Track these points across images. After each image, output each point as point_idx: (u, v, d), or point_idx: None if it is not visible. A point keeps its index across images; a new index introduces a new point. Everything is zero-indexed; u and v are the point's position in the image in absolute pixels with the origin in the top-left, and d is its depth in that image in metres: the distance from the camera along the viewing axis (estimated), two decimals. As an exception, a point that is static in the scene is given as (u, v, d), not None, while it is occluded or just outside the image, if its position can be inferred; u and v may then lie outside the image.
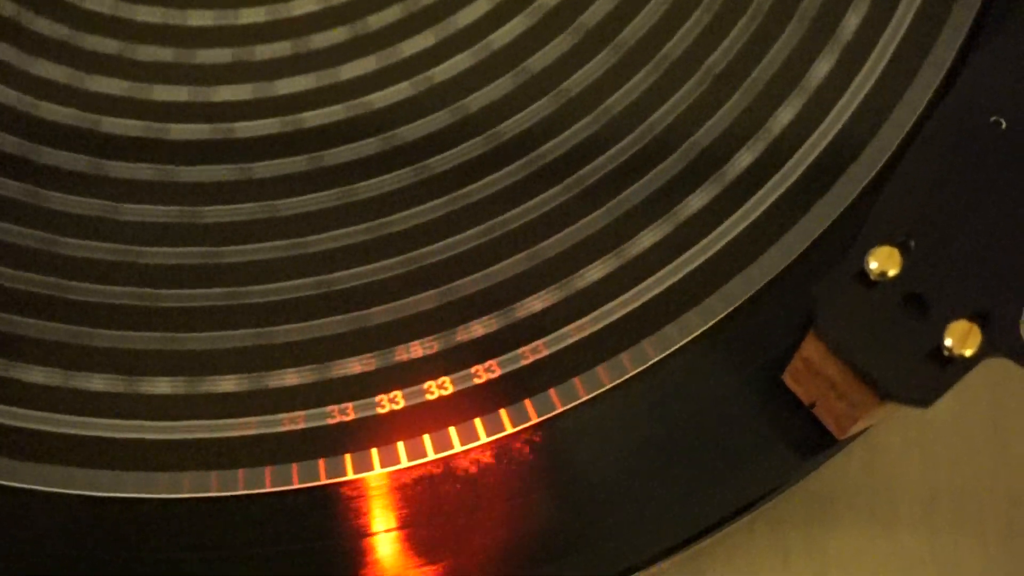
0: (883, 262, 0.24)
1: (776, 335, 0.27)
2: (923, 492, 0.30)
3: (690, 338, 0.28)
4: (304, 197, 0.30)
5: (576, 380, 0.27)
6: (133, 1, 0.33)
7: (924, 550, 0.29)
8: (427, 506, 0.26)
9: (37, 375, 0.28)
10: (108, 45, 0.32)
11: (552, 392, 0.27)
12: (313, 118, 0.31)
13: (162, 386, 0.28)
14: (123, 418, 0.27)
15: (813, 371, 0.25)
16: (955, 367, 0.24)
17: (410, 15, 0.32)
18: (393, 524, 0.26)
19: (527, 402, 0.27)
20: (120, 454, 0.27)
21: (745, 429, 0.27)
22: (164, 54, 0.32)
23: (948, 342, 0.24)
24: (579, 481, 0.27)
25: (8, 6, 0.32)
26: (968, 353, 0.23)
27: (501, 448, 0.27)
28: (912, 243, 0.24)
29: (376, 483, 0.27)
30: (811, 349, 0.25)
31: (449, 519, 0.26)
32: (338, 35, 0.32)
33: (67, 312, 0.28)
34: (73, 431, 0.27)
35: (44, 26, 0.32)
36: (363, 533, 0.26)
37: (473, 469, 0.27)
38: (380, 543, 0.26)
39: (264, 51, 0.32)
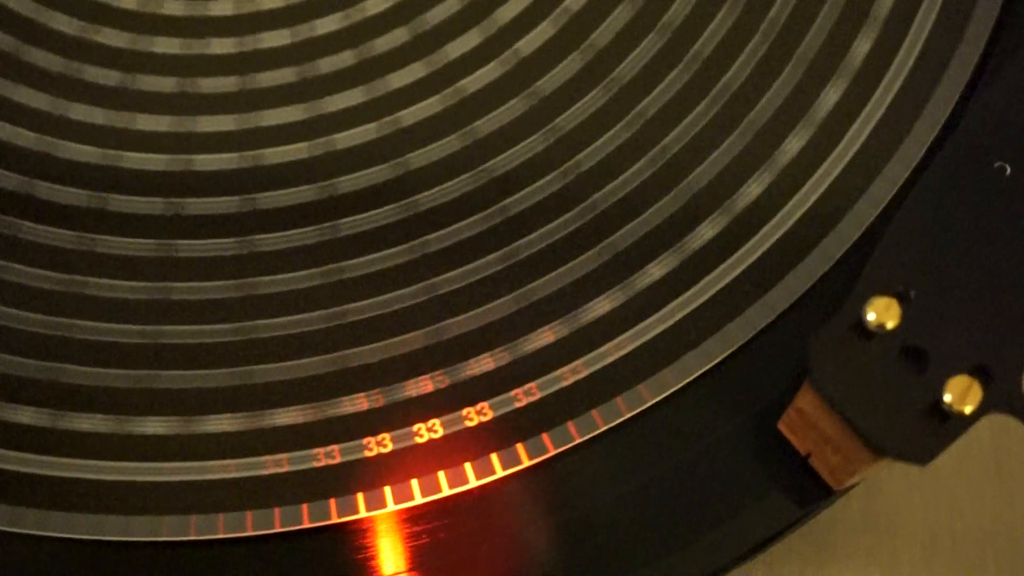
0: (881, 313, 0.24)
1: (774, 379, 0.27)
2: (923, 534, 0.29)
3: (686, 381, 0.27)
4: (289, 232, 0.29)
5: (570, 423, 0.27)
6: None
7: (924, 593, 0.29)
8: (435, 543, 0.26)
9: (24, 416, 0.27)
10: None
11: (544, 436, 0.27)
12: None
13: (149, 426, 0.27)
14: (119, 460, 0.27)
15: (808, 423, 0.25)
16: (954, 424, 0.23)
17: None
18: (406, 563, 0.26)
19: (519, 445, 0.27)
20: (126, 497, 0.27)
21: (741, 476, 0.26)
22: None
23: (947, 398, 0.23)
24: (567, 530, 0.26)
25: None
26: (968, 410, 0.23)
27: (491, 492, 0.27)
28: (912, 293, 0.24)
29: (366, 526, 0.26)
30: (805, 401, 0.24)
31: (456, 556, 0.26)
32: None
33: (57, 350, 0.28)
34: (55, 473, 0.27)
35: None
36: (377, 572, 0.26)
37: (465, 513, 0.26)
38: None
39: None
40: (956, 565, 0.29)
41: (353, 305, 0.28)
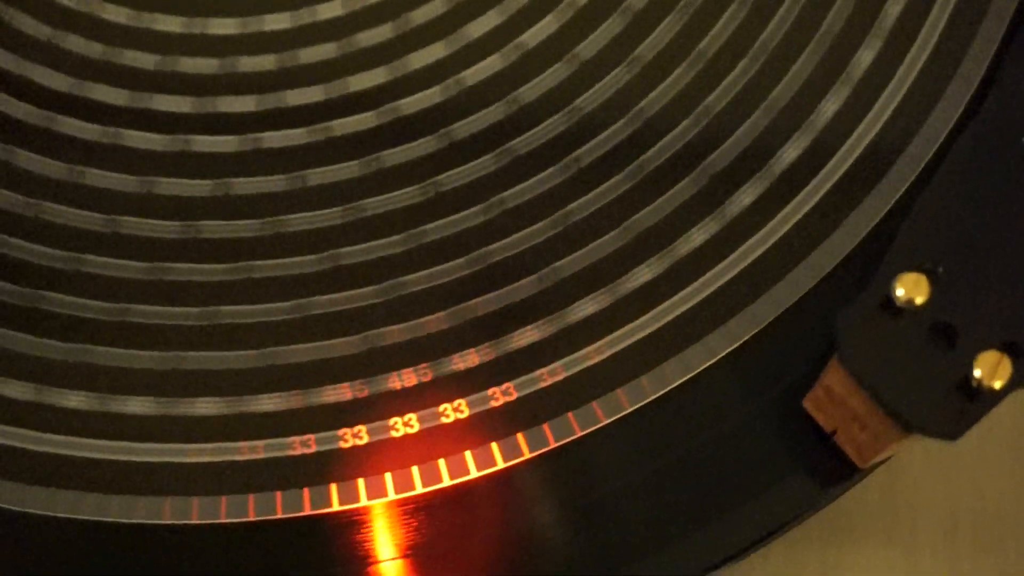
0: (910, 289, 0.24)
1: (798, 359, 0.27)
2: (943, 517, 0.29)
3: (712, 362, 0.27)
4: (307, 214, 0.29)
5: (594, 404, 0.27)
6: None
7: (944, 575, 0.28)
8: (434, 532, 0.26)
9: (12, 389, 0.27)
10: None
11: (571, 416, 0.27)
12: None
13: (135, 405, 0.27)
14: (99, 438, 0.27)
15: (835, 400, 0.24)
16: (984, 399, 0.23)
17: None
18: (398, 552, 0.26)
19: (545, 426, 0.27)
20: (103, 475, 0.26)
21: (764, 456, 0.26)
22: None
23: (977, 373, 0.23)
24: (595, 508, 0.26)
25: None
26: (998, 385, 0.23)
27: (516, 473, 0.26)
28: (940, 269, 0.24)
29: (382, 510, 0.26)
30: (834, 378, 0.24)
31: (460, 545, 0.26)
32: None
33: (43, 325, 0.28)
34: (41, 448, 0.27)
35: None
36: (368, 561, 0.26)
37: (489, 494, 0.26)
38: (386, 571, 0.25)
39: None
40: (976, 547, 0.29)
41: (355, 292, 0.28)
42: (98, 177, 0.30)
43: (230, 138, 0.30)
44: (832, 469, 0.26)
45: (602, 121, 0.30)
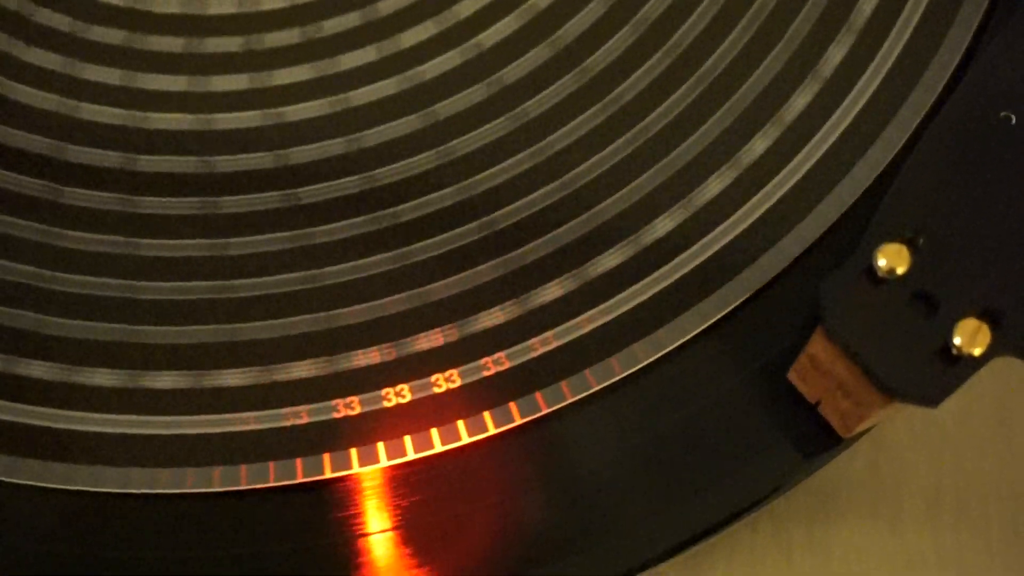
0: (892, 259, 0.24)
1: (783, 331, 0.27)
2: (928, 490, 0.29)
3: (697, 331, 0.27)
4: (321, 185, 0.29)
5: (587, 372, 0.27)
6: None
7: (928, 548, 0.29)
8: (426, 503, 0.26)
9: (38, 370, 0.27)
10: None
11: (563, 385, 0.27)
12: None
13: (165, 380, 0.27)
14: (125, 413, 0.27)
15: (819, 369, 0.25)
16: (964, 366, 0.23)
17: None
18: (392, 523, 0.26)
19: (537, 395, 0.27)
20: (120, 450, 0.27)
21: (749, 427, 0.26)
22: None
23: (957, 341, 0.23)
24: (580, 479, 0.26)
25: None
26: (977, 352, 0.23)
27: (506, 442, 0.27)
28: (921, 240, 0.24)
29: (377, 479, 0.26)
30: (818, 347, 0.25)
31: (448, 516, 0.26)
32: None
33: (67, 306, 0.28)
34: (69, 426, 0.27)
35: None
36: (361, 532, 0.26)
37: (477, 464, 0.26)
38: (379, 542, 0.26)
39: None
40: (960, 519, 0.29)
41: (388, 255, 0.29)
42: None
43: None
44: (816, 439, 0.26)
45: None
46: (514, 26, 0.31)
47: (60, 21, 0.32)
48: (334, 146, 0.30)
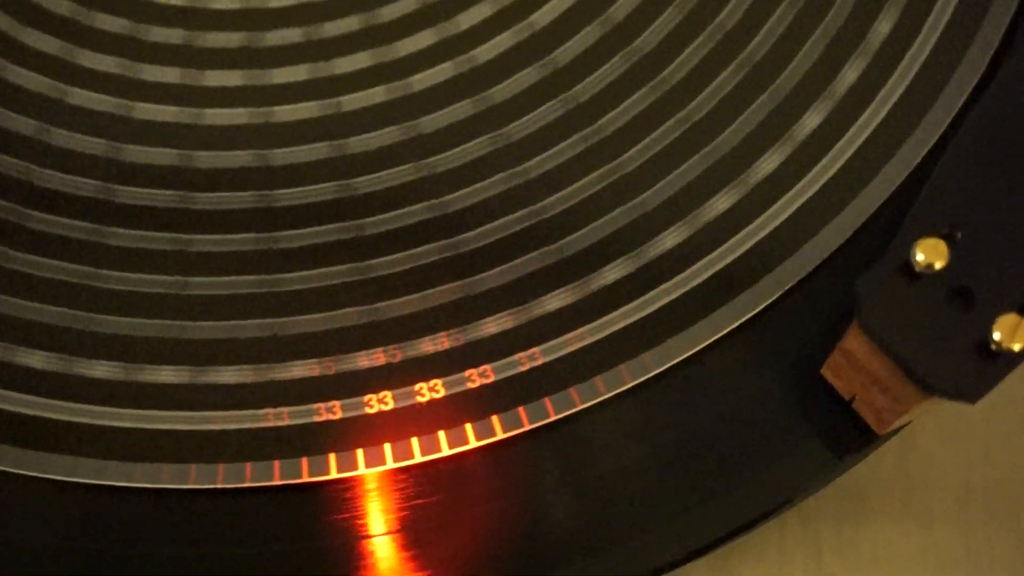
0: (929, 254, 0.24)
1: (814, 328, 0.27)
2: (957, 487, 0.29)
3: (725, 331, 0.27)
4: (296, 190, 0.29)
5: (622, 366, 0.27)
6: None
7: (958, 545, 0.29)
8: (433, 506, 0.26)
9: (36, 360, 0.27)
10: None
11: (597, 380, 0.27)
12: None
13: (164, 375, 0.27)
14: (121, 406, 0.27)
15: (855, 365, 0.25)
16: (1003, 361, 0.23)
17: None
18: (396, 525, 0.26)
19: (546, 400, 0.27)
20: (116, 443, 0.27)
21: (781, 425, 0.26)
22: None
23: (996, 336, 0.23)
24: (610, 478, 0.26)
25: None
26: (1017, 347, 0.23)
27: (519, 447, 0.26)
28: (958, 233, 0.24)
29: (362, 484, 0.26)
30: (854, 343, 0.24)
31: (456, 519, 0.26)
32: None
33: (69, 297, 0.28)
34: (66, 418, 0.27)
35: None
36: (349, 535, 0.26)
37: (485, 468, 0.26)
38: (367, 547, 0.26)
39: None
40: (990, 517, 0.29)
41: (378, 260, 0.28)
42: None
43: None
44: (849, 436, 0.26)
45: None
46: (509, 43, 0.31)
47: (118, 24, 0.32)
48: (316, 150, 0.30)
